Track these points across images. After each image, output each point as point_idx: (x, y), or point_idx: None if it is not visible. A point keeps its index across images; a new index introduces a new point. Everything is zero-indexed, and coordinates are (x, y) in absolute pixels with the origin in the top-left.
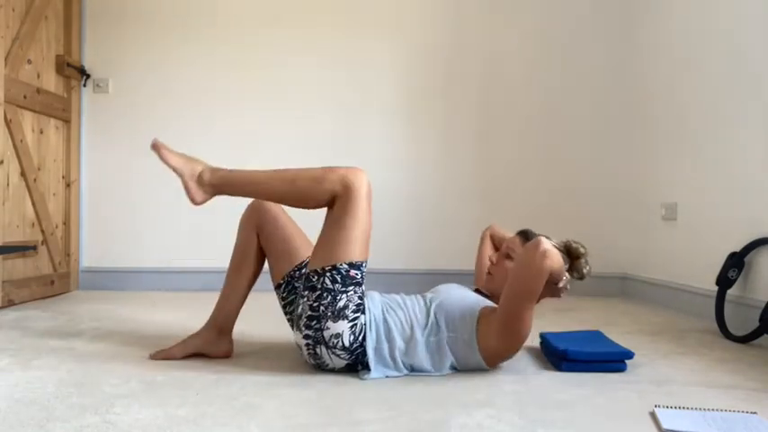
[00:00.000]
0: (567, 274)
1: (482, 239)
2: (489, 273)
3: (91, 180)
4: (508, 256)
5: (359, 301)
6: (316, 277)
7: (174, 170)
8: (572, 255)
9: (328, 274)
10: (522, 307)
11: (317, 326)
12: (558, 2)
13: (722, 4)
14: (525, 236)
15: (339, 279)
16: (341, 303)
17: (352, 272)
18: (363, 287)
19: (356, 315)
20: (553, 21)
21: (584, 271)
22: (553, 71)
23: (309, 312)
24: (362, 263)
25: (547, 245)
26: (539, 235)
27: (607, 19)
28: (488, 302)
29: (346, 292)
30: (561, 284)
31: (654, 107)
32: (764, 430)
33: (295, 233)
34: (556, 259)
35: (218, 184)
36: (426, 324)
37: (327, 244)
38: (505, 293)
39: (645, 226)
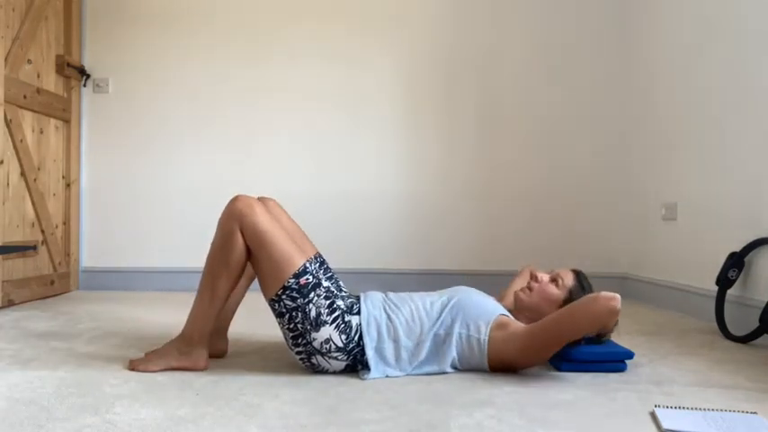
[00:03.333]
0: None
1: (520, 272)
2: (529, 288)
3: (91, 180)
4: (554, 281)
5: (327, 301)
6: (276, 305)
7: (167, 369)
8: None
9: (284, 296)
10: (559, 339)
11: (304, 341)
12: (558, 4)
13: (721, 7)
14: (578, 275)
15: (296, 294)
16: (313, 313)
17: (302, 280)
18: (325, 282)
19: (335, 315)
20: (553, 22)
21: (606, 336)
22: (553, 72)
23: (291, 334)
24: (304, 266)
25: (619, 305)
26: (615, 294)
27: (607, 20)
28: (506, 312)
29: (310, 300)
30: (585, 336)
31: (654, 107)
32: (765, 430)
33: (295, 234)
34: (615, 321)
35: (195, 338)
36: (438, 317)
37: (267, 272)
38: (551, 321)
39: (645, 226)
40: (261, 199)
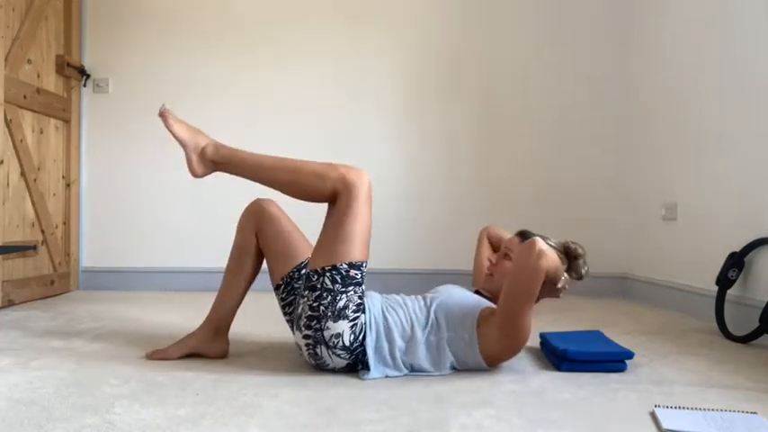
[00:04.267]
0: (565, 274)
1: (479, 240)
2: (489, 273)
3: (91, 180)
4: (507, 256)
5: (359, 301)
6: (316, 277)
7: (179, 140)
8: (570, 255)
9: (328, 273)
10: (520, 308)
11: (318, 326)
12: (560, 4)
13: (722, 7)
14: (523, 236)
15: (339, 279)
16: (341, 303)
17: (352, 272)
18: (363, 287)
19: (356, 315)
20: (555, 23)
21: (583, 271)
22: (554, 73)
23: (309, 312)
24: (363, 263)
25: (542, 245)
26: (536, 235)
27: (608, 21)
28: (489, 303)
29: (346, 292)
30: (560, 285)
31: (654, 107)
32: (765, 430)
33: (294, 234)
34: (552, 259)
35: (220, 162)
36: (427, 323)
37: (328, 243)
38: (503, 295)
39: (645, 226)
40: (260, 202)
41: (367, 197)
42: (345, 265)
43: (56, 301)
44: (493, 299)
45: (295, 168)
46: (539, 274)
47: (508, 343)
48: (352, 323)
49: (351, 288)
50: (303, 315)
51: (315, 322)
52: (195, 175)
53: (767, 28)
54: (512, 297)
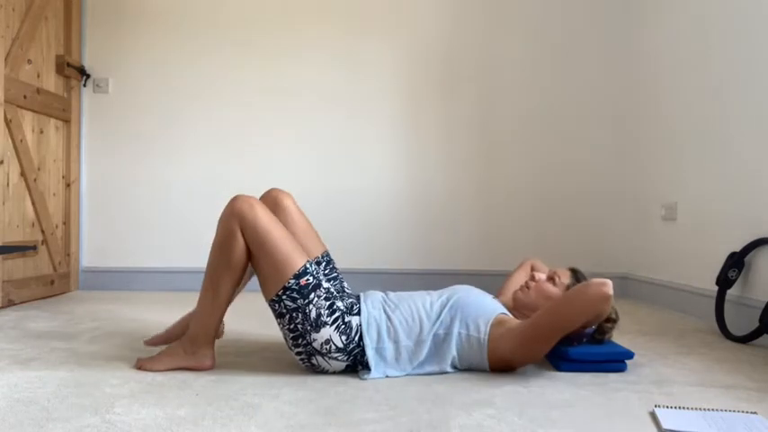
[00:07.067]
0: (594, 327)
1: (521, 265)
2: (526, 286)
3: (91, 180)
4: (552, 280)
5: (327, 303)
6: (277, 305)
7: (174, 369)
8: (607, 316)
9: (284, 296)
10: (555, 330)
11: (304, 341)
12: (557, 5)
13: (722, 7)
14: (575, 273)
15: (297, 294)
16: (313, 314)
17: (302, 281)
18: (325, 284)
19: (335, 316)
20: (553, 23)
21: (606, 336)
22: (553, 73)
23: (291, 335)
24: (305, 267)
25: (611, 291)
26: (606, 280)
27: (606, 21)
28: (506, 311)
29: (311, 301)
30: (587, 332)
31: (654, 107)
32: (765, 430)
33: (305, 232)
34: (609, 307)
35: (200, 338)
36: (438, 317)
37: (267, 272)
38: (547, 311)
39: (645, 226)
40: (276, 193)
41: (261, 213)
42: (293, 280)
43: (56, 301)
44: (512, 311)
45: (212, 262)
46: (594, 311)
47: (524, 355)
48: (334, 325)
49: (312, 295)
50: (287, 338)
51: (301, 340)
52: (212, 366)
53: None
54: (555, 317)
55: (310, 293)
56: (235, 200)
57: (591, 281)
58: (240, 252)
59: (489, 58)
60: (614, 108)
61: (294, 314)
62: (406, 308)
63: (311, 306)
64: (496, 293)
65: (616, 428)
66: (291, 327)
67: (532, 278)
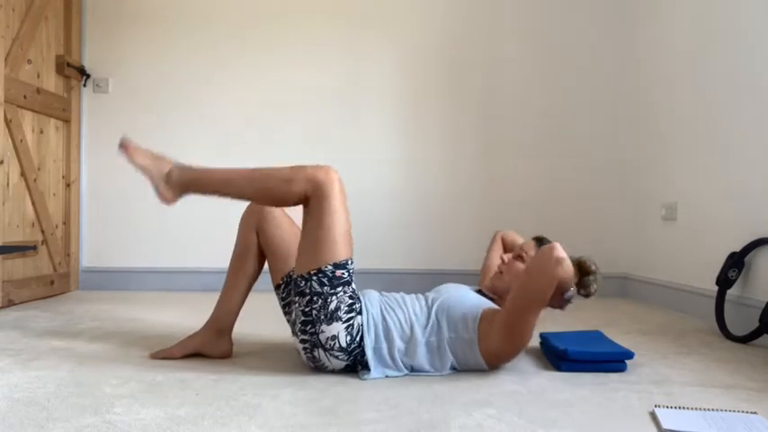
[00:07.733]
0: (574, 287)
1: (492, 241)
2: (500, 271)
3: (91, 180)
4: (520, 258)
5: (350, 301)
6: (303, 282)
7: (142, 170)
8: (582, 270)
9: (315, 277)
10: (528, 309)
11: (312, 330)
12: (559, 4)
13: (721, 8)
14: (540, 242)
15: (326, 281)
16: (332, 306)
17: (339, 272)
18: (353, 285)
19: (350, 315)
20: (554, 23)
21: (591, 289)
22: (554, 72)
23: (303, 318)
24: (347, 261)
25: (562, 252)
26: (553, 242)
27: (607, 21)
28: (490, 304)
29: (336, 293)
30: (567, 296)
31: (654, 107)
32: (765, 430)
33: (294, 233)
34: (568, 268)
35: (186, 183)
36: (427, 324)
37: (309, 247)
38: (514, 294)
39: (645, 226)
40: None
41: (339, 194)
42: (330, 267)
43: (56, 301)
44: (496, 299)
45: (263, 177)
46: (554, 278)
47: (510, 342)
48: (346, 324)
49: (340, 288)
50: (297, 320)
51: (309, 327)
52: (166, 201)
53: None
54: (523, 296)
55: (339, 286)
56: (328, 167)
57: (541, 249)
58: (290, 203)
59: (491, 59)
60: (614, 108)
61: (315, 298)
62: (400, 312)
63: (334, 298)
64: (479, 282)
65: (616, 428)
66: (307, 310)
67: (502, 261)
